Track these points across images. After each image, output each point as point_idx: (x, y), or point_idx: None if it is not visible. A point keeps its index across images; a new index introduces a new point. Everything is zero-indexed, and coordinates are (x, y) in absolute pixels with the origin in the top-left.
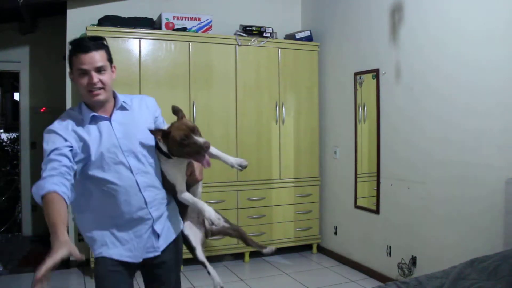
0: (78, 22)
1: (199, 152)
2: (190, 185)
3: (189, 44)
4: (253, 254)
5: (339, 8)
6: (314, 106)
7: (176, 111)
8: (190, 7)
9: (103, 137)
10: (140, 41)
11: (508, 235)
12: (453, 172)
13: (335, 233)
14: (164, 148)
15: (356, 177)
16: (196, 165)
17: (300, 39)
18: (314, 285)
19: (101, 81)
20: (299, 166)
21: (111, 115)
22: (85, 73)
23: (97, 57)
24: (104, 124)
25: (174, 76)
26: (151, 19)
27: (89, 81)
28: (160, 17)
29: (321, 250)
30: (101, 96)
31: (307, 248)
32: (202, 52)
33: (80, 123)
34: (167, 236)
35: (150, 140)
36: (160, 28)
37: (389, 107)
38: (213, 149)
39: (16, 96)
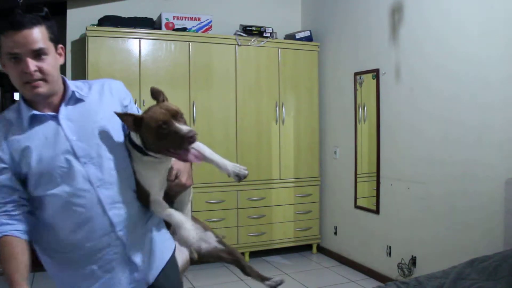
0: (78, 22)
1: (181, 145)
2: (176, 193)
3: (189, 44)
4: (253, 254)
5: (339, 8)
6: (314, 106)
7: (155, 92)
8: (190, 7)
9: (50, 141)
10: (140, 41)
11: (508, 235)
12: (453, 172)
13: (335, 233)
14: (138, 141)
15: (356, 177)
16: (182, 166)
17: (300, 39)
18: (314, 285)
19: (40, 69)
20: (299, 166)
21: (59, 111)
22: (18, 58)
23: (34, 35)
24: (50, 124)
25: (174, 76)
26: (151, 19)
27: (23, 69)
28: (160, 17)
29: (321, 250)
30: (42, 89)
31: (307, 248)
32: (202, 52)
33: (18, 127)
34: (154, 262)
35: (118, 135)
36: (160, 28)
37: (389, 107)
38: (205, 149)
39: (16, 96)
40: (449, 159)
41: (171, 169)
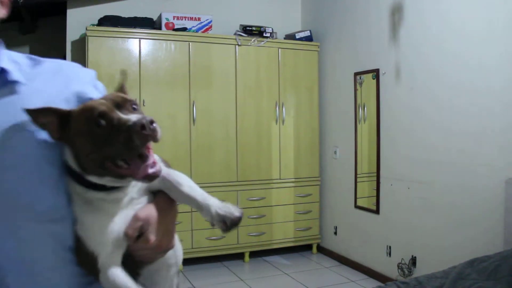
0: (78, 22)
1: (129, 145)
2: (144, 260)
3: (189, 44)
4: (253, 254)
5: (339, 8)
6: (314, 106)
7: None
8: (190, 7)
9: None
10: (140, 41)
11: (508, 235)
12: (453, 171)
13: (335, 233)
14: (71, 160)
15: (356, 177)
16: (153, 214)
17: (300, 39)
18: (314, 285)
19: None
20: (299, 166)
21: None
22: None
23: None
24: None
25: (174, 76)
26: (151, 19)
27: None
28: (160, 17)
29: (321, 250)
30: None
31: (307, 248)
32: (202, 52)
33: None
34: None
35: (53, 156)
36: (160, 28)
37: (389, 107)
38: (183, 180)
39: None
40: (449, 159)
41: (134, 218)
